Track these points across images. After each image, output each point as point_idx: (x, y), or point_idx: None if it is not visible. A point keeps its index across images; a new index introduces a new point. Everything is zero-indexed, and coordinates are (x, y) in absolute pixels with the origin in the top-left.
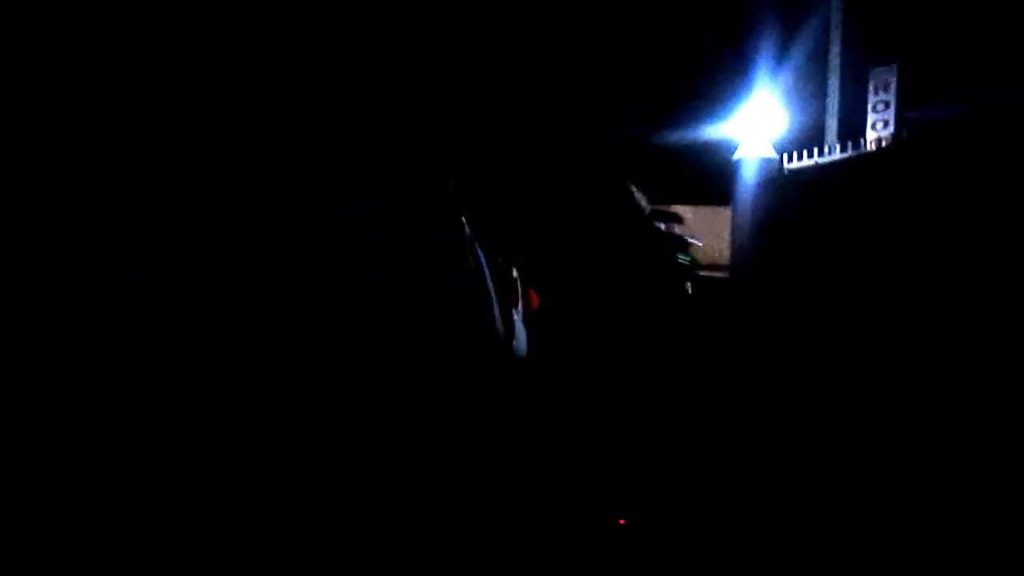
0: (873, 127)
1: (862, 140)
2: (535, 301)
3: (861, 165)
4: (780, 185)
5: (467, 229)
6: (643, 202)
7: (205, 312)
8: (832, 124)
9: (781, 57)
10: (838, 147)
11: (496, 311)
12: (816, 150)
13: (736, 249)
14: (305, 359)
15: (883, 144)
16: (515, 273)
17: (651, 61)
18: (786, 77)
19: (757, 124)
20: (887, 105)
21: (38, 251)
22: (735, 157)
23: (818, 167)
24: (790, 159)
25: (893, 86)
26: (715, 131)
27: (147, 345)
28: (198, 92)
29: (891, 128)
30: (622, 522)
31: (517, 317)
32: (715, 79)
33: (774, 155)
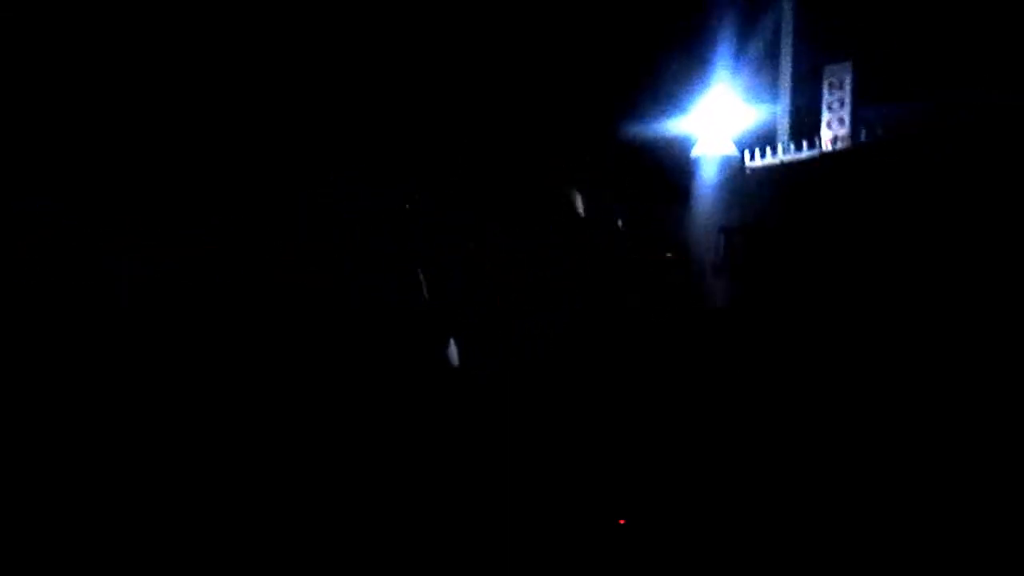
0: (828, 125)
1: (816, 138)
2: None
3: (835, 163)
4: (744, 183)
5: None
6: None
7: (204, 311)
8: (784, 122)
9: (736, 53)
10: (792, 145)
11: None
12: (769, 148)
13: (697, 248)
14: (301, 356)
15: (839, 143)
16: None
17: (610, 58)
18: (741, 73)
19: (716, 120)
20: (842, 103)
21: (38, 251)
22: (693, 154)
23: (785, 165)
24: (751, 157)
25: (848, 84)
26: (671, 127)
27: (146, 344)
28: (198, 95)
29: (847, 126)
30: (622, 522)
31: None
32: (671, 75)
33: (735, 152)
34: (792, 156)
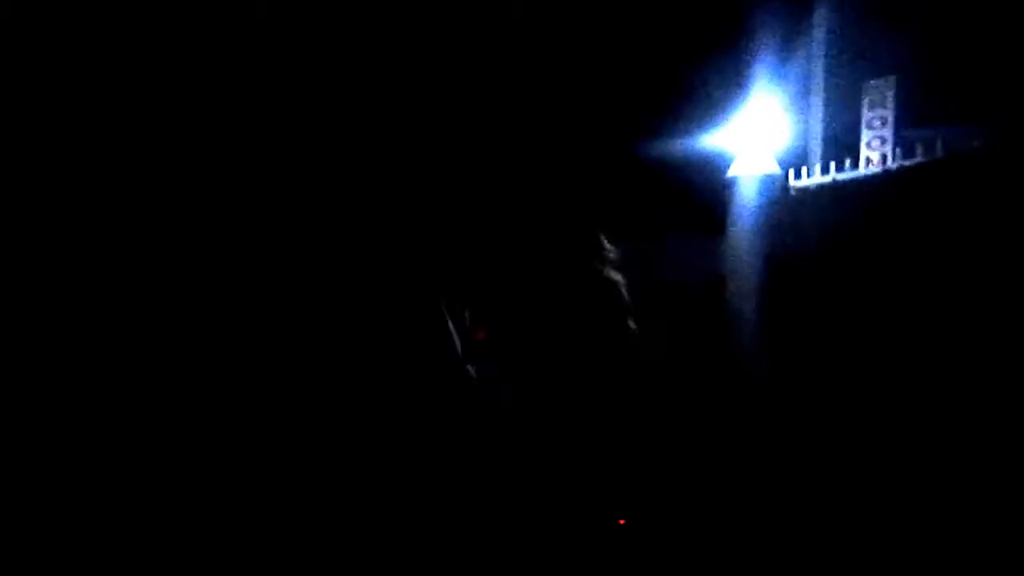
0: (868, 145)
1: (855, 158)
2: (480, 334)
3: (911, 180)
4: (790, 204)
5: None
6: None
7: (202, 310)
8: (816, 140)
9: (771, 64)
10: (829, 165)
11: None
12: (804, 168)
13: (736, 283)
14: (295, 357)
15: (882, 162)
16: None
17: (633, 68)
18: (777, 85)
19: (754, 135)
20: (884, 122)
21: (38, 251)
22: (729, 174)
23: (843, 185)
24: (796, 176)
25: (891, 101)
26: (703, 143)
27: (146, 343)
28: (196, 96)
29: (889, 145)
30: (622, 522)
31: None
32: (702, 86)
33: (777, 170)
34: (839, 175)
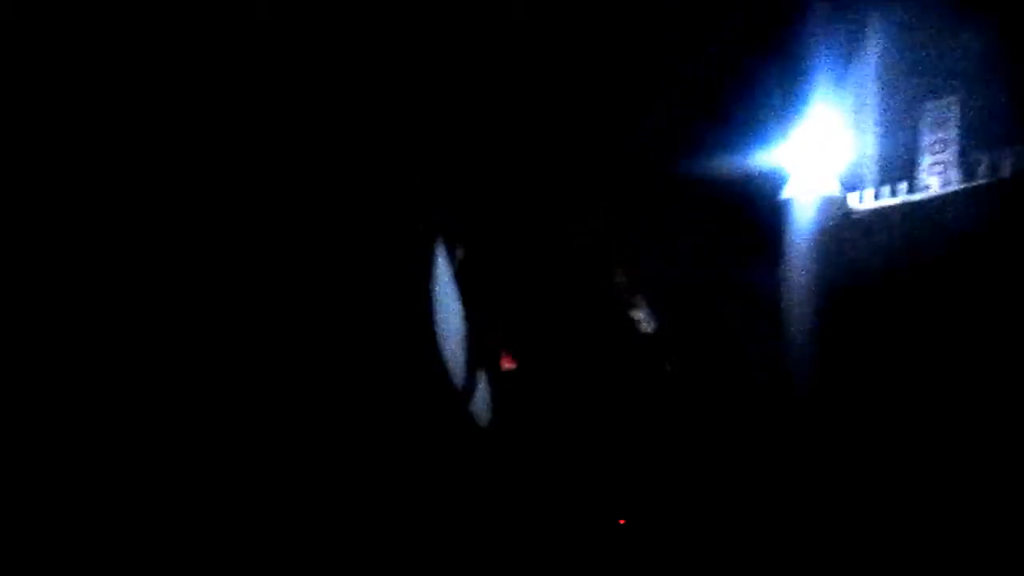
0: (927, 169)
1: (912, 180)
2: (507, 363)
3: (990, 199)
4: (852, 230)
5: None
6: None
7: (201, 310)
8: (870, 161)
9: (821, 81)
10: (887, 188)
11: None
12: (855, 192)
13: (791, 313)
14: (293, 359)
15: (950, 183)
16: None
17: (675, 78)
18: (826, 104)
19: (811, 154)
20: (945, 145)
21: (38, 250)
22: (782, 196)
23: (918, 206)
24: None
25: (954, 123)
26: (754, 162)
27: (145, 343)
28: (196, 96)
29: (952, 170)
30: (622, 522)
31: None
32: (750, 101)
33: (838, 192)
34: (909, 196)
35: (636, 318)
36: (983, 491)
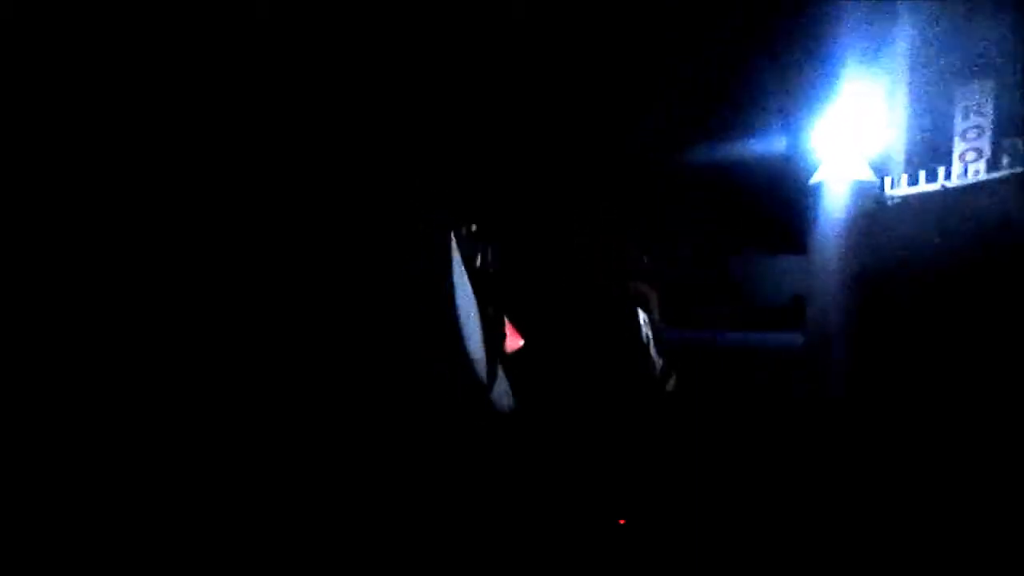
0: (961, 157)
1: (949, 165)
2: (513, 343)
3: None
4: (888, 218)
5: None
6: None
7: (201, 310)
8: (900, 147)
9: (854, 63)
10: (922, 174)
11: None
12: (888, 178)
13: (823, 305)
14: (295, 360)
15: (988, 170)
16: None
17: (707, 64)
18: (858, 87)
19: (844, 138)
20: (980, 131)
21: (38, 250)
22: (812, 181)
23: (959, 192)
24: (892, 184)
25: (989, 110)
26: (783, 145)
27: (145, 342)
28: (197, 96)
29: (985, 156)
30: (622, 522)
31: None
32: (782, 80)
33: (872, 178)
34: (946, 183)
35: (636, 318)
36: (1015, 493)
